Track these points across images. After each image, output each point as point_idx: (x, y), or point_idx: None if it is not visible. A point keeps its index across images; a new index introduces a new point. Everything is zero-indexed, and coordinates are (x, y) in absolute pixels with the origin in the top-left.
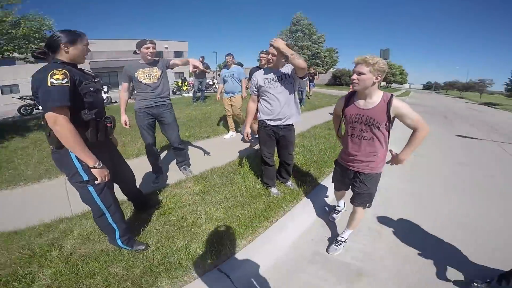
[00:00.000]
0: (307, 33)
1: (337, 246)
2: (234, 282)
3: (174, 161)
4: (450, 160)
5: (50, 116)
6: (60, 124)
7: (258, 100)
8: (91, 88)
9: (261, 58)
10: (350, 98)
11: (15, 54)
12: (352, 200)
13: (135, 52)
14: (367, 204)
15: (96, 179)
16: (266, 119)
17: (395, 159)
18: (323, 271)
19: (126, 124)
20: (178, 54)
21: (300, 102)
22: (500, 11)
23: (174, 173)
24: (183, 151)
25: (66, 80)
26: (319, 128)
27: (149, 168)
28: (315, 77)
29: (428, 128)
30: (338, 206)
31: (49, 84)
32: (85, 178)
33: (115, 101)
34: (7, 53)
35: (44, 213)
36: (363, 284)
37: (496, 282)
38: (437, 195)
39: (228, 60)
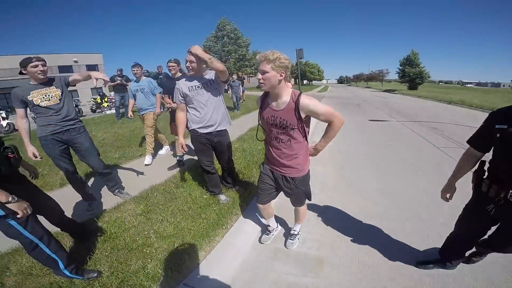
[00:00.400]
0: (232, 37)
1: (292, 240)
2: None
3: None
4: (368, 142)
5: None
6: None
7: (186, 109)
8: None
9: (170, 68)
10: (264, 99)
11: None
12: (292, 203)
13: (21, 72)
14: (306, 200)
15: (15, 212)
16: (197, 128)
17: (311, 152)
18: (287, 266)
19: (36, 157)
20: (91, 68)
21: (235, 108)
22: (390, 9)
23: (109, 197)
24: (110, 175)
25: None
26: (256, 130)
27: (79, 196)
28: (244, 80)
29: (342, 119)
30: (269, 225)
31: None
32: (1, 213)
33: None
34: None
35: None
36: (326, 271)
37: (446, 264)
38: (367, 176)
39: (136, 71)
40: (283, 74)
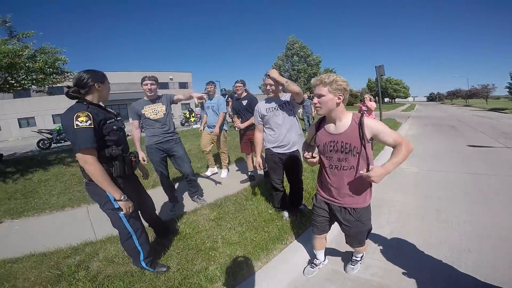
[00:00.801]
0: (302, 55)
1: (353, 265)
2: None
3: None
4: (465, 171)
5: (79, 157)
6: (88, 163)
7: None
8: (114, 127)
9: (237, 88)
10: (320, 125)
11: (33, 87)
12: (350, 243)
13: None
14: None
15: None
16: (272, 147)
17: (377, 172)
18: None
19: (144, 160)
20: (182, 85)
21: (307, 130)
22: (490, 17)
23: (189, 202)
24: (195, 182)
25: (90, 122)
26: None
27: (165, 197)
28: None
29: (411, 145)
30: (316, 259)
31: (75, 127)
32: (117, 205)
33: (128, 134)
34: (26, 86)
35: (70, 238)
36: None
37: None
38: (457, 208)
39: (209, 89)
40: (341, 97)
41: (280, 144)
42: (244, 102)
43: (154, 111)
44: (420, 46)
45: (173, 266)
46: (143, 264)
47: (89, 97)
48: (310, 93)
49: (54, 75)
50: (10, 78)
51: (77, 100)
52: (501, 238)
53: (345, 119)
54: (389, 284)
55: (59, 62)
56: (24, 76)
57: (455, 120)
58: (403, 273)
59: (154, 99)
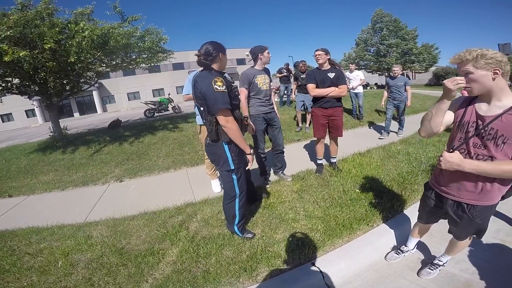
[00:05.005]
0: (392, 29)
1: (431, 269)
2: (325, 277)
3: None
4: None
5: (221, 116)
6: (230, 121)
7: None
8: (236, 93)
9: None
10: (470, 101)
11: (142, 65)
12: (453, 233)
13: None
14: (475, 236)
15: (241, 166)
16: None
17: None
18: (426, 280)
19: (253, 130)
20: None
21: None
22: None
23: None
24: (283, 156)
25: (224, 86)
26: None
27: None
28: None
29: None
30: (405, 245)
31: (215, 90)
32: (232, 167)
33: None
34: (139, 64)
35: (173, 198)
36: None
37: None
38: None
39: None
40: (497, 71)
41: None
42: (331, 75)
43: (264, 81)
44: None
45: (258, 233)
46: (235, 228)
47: (214, 66)
48: (402, 69)
49: (159, 53)
50: (126, 57)
51: (203, 68)
52: None
53: (507, 100)
54: (477, 282)
55: (162, 41)
56: (137, 55)
57: None
58: (501, 274)
59: (264, 70)
